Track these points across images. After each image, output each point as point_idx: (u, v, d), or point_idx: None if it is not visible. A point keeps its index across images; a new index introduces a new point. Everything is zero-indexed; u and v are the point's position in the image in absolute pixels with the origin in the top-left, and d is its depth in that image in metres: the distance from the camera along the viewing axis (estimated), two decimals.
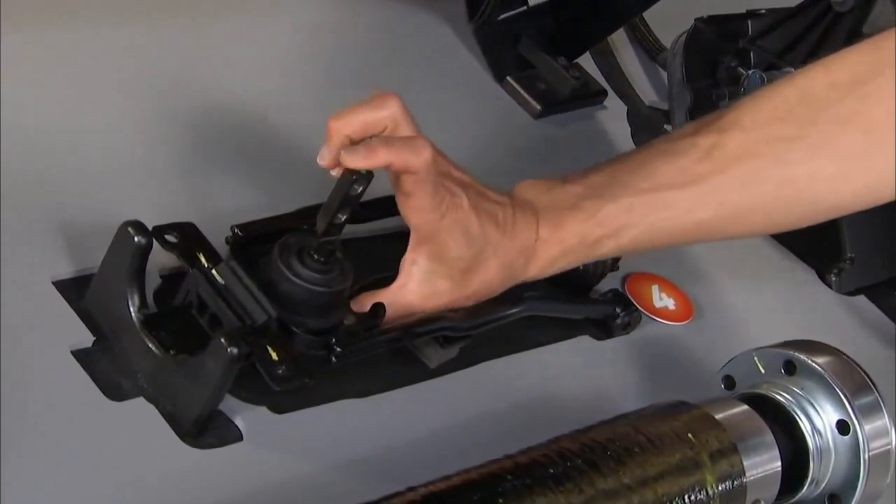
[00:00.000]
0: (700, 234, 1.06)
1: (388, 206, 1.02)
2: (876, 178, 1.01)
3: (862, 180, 1.01)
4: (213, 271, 0.94)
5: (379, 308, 0.98)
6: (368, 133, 0.95)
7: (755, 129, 1.01)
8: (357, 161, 0.93)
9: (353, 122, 0.95)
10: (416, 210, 0.97)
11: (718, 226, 1.04)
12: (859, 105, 0.99)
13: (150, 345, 0.91)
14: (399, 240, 1.02)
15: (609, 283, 1.17)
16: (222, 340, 0.87)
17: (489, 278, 1.01)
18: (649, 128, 1.37)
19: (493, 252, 1.00)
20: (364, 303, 0.99)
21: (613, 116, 1.39)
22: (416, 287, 1.00)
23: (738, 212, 1.03)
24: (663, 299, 1.19)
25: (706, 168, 1.01)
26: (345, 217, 0.94)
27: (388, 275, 1.03)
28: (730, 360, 1.05)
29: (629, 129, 1.38)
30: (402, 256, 1.01)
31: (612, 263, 1.16)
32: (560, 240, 1.02)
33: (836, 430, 0.99)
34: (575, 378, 1.09)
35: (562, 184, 1.03)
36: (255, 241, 1.00)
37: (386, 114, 0.96)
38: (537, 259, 1.02)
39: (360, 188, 0.93)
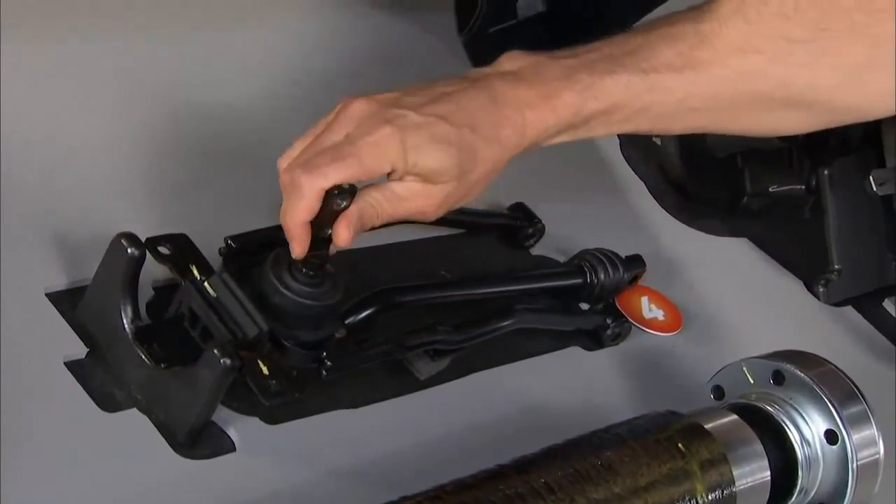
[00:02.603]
0: (693, 124, 1.03)
1: None
2: (876, 93, 0.98)
3: (860, 95, 0.98)
4: (206, 284, 0.94)
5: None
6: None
7: (760, 22, 0.96)
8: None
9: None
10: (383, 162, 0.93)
11: (710, 118, 1.01)
12: (870, 18, 0.95)
13: (142, 356, 0.91)
14: (406, 251, 1.02)
15: None
16: (215, 352, 0.88)
17: (487, 167, 0.96)
18: (638, 139, 1.37)
19: (476, 138, 0.94)
20: (364, 192, 0.94)
21: None
22: (414, 189, 0.95)
23: (732, 105, 0.99)
24: (653, 310, 1.20)
25: (705, 55, 0.97)
26: (330, 231, 0.93)
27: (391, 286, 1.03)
28: (719, 371, 1.06)
29: (617, 139, 1.38)
30: (410, 268, 0.99)
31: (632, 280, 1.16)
32: (553, 108, 0.96)
33: (825, 440, 1.00)
34: (565, 388, 1.10)
35: (551, 58, 0.98)
36: (248, 252, 1.00)
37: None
38: (530, 127, 0.96)
39: (344, 203, 0.93)
